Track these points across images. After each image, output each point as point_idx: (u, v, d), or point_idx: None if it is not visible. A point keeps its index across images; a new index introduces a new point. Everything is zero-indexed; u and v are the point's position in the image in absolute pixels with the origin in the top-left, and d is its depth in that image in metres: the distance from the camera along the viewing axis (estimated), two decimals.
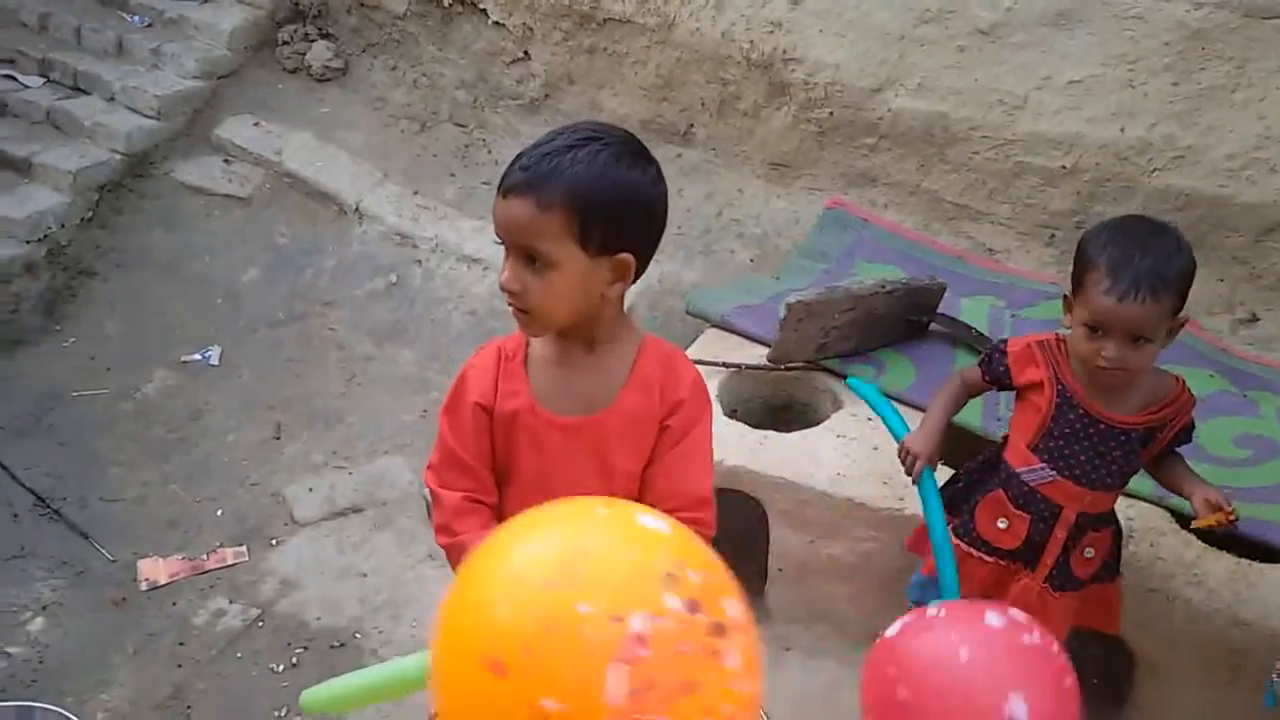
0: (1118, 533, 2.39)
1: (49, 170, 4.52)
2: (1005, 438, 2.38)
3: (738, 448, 2.84)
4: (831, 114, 4.24)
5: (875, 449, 2.83)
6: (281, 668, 2.93)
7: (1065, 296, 2.18)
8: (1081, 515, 2.25)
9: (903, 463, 2.28)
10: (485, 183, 4.67)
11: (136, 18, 5.35)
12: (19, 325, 4.09)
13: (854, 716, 1.82)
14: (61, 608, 3.07)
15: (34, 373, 3.94)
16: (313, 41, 5.24)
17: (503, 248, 1.60)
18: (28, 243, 4.27)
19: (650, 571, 1.00)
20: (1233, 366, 3.41)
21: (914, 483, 2.26)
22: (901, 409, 2.94)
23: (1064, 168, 3.88)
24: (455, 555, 1.67)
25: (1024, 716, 1.59)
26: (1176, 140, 3.72)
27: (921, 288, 3.28)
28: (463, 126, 5.02)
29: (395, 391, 3.97)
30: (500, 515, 1.72)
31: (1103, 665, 2.79)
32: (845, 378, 2.93)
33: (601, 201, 1.53)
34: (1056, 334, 2.25)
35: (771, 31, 4.28)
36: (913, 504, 2.55)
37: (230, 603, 3.12)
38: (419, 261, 4.43)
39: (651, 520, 1.11)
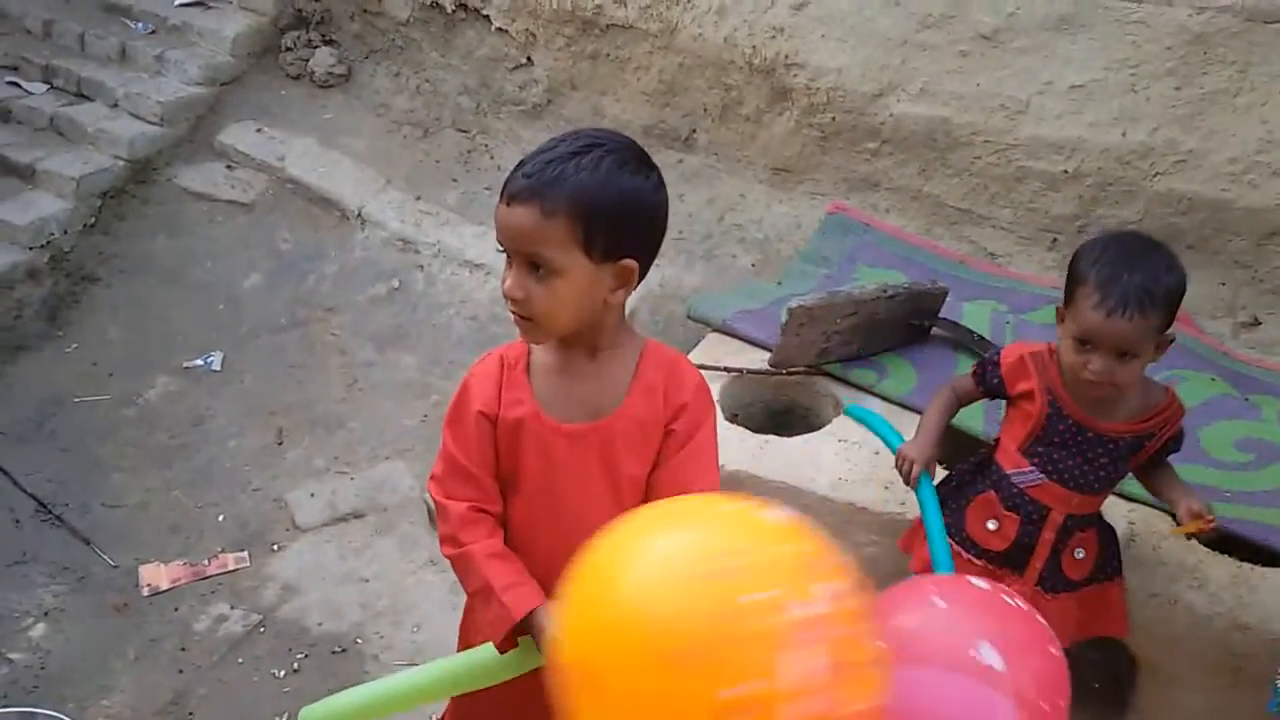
0: (1109, 531, 2.41)
1: (52, 176, 4.53)
2: (997, 440, 2.40)
3: (739, 452, 2.84)
4: (833, 119, 4.24)
5: (877, 454, 2.83)
6: (283, 673, 2.93)
7: (1058, 308, 2.21)
8: (1069, 517, 2.29)
9: (899, 471, 2.30)
10: (487, 188, 4.68)
11: (140, 24, 5.36)
12: (22, 331, 4.10)
13: None
14: (63, 613, 3.07)
15: (36, 378, 3.95)
16: (316, 48, 5.25)
17: (503, 255, 1.59)
18: (31, 249, 4.28)
19: (794, 562, 1.03)
20: (1234, 370, 3.40)
21: (912, 488, 2.27)
22: (903, 413, 2.96)
23: (1066, 172, 3.88)
24: (462, 566, 1.67)
25: (997, 663, 1.53)
26: (1178, 144, 3.72)
27: (923, 292, 3.28)
28: (465, 132, 5.03)
29: (397, 397, 3.97)
30: (504, 524, 1.71)
31: (1104, 669, 2.78)
32: (846, 408, 2.92)
33: (606, 208, 1.53)
34: (1049, 344, 2.28)
35: (774, 37, 4.28)
36: (914, 509, 2.55)
37: (232, 608, 3.12)
38: (421, 267, 4.44)
39: (773, 514, 1.13)
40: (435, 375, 4.06)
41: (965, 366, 3.02)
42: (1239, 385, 3.31)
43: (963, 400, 2.43)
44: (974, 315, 3.47)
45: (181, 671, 2.92)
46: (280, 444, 3.75)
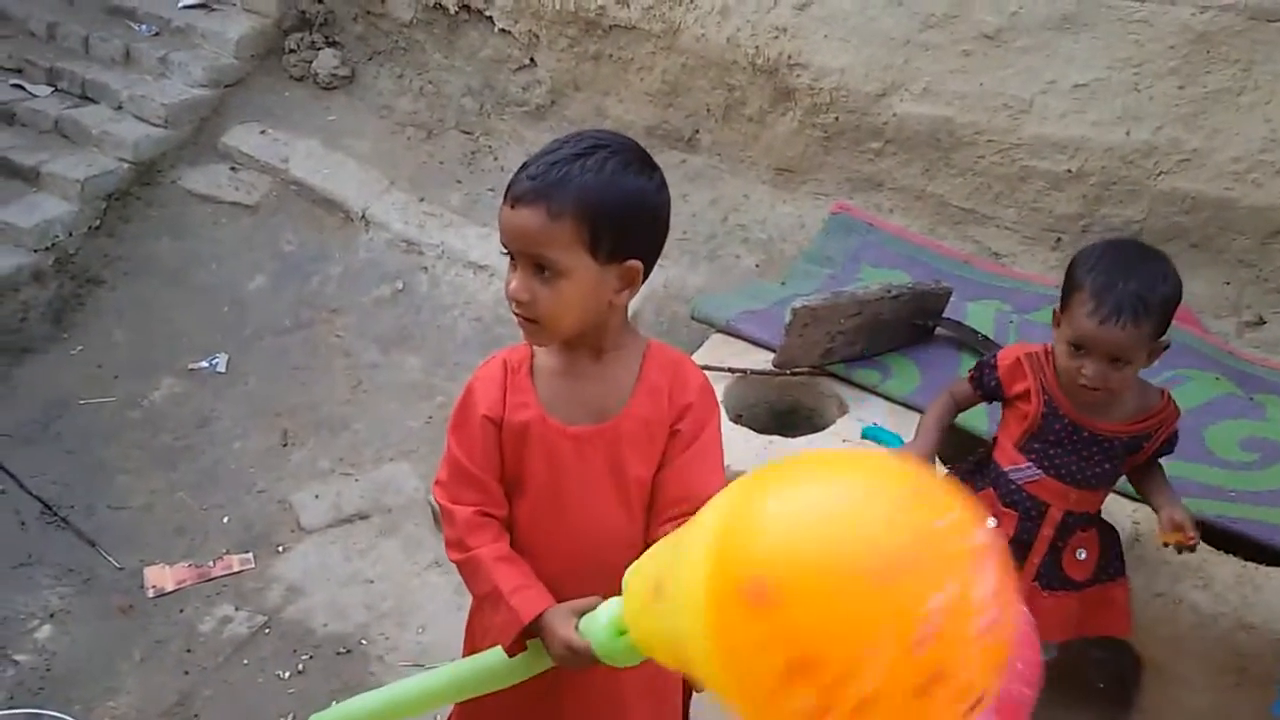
0: (1111, 532, 2.41)
1: (57, 179, 4.54)
2: (995, 439, 2.41)
3: (743, 453, 2.83)
4: (837, 119, 4.25)
5: None
6: (288, 675, 2.94)
7: (1054, 311, 2.23)
8: (1068, 514, 2.31)
9: None
10: (491, 190, 4.68)
11: (144, 27, 5.37)
12: (27, 333, 4.11)
13: None
14: (69, 615, 3.08)
15: (41, 381, 3.95)
16: (319, 50, 5.26)
17: (506, 256, 1.59)
18: (35, 251, 4.29)
19: (966, 496, 1.09)
20: (1239, 369, 3.39)
21: None
22: (907, 413, 2.96)
23: (1069, 171, 3.88)
24: (469, 570, 1.67)
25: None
26: (1182, 143, 3.72)
27: (927, 292, 3.27)
28: (469, 134, 5.03)
29: (401, 398, 3.98)
30: (510, 527, 1.71)
31: (1109, 669, 2.78)
32: (864, 430, 2.92)
33: (611, 209, 1.53)
34: (1045, 345, 2.30)
35: (776, 37, 4.28)
36: None
37: (237, 610, 3.13)
38: (425, 268, 4.44)
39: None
40: (440, 376, 4.06)
41: (969, 366, 3.02)
42: (1244, 384, 3.31)
43: (961, 404, 2.45)
44: (978, 315, 3.47)
45: (187, 673, 2.92)
46: (285, 445, 3.75)
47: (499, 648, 1.60)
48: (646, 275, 1.62)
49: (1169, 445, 2.31)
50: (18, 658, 2.93)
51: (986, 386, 2.38)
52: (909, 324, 3.26)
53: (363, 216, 4.62)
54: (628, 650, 1.39)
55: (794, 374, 3.16)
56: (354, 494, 3.55)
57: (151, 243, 4.56)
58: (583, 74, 4.81)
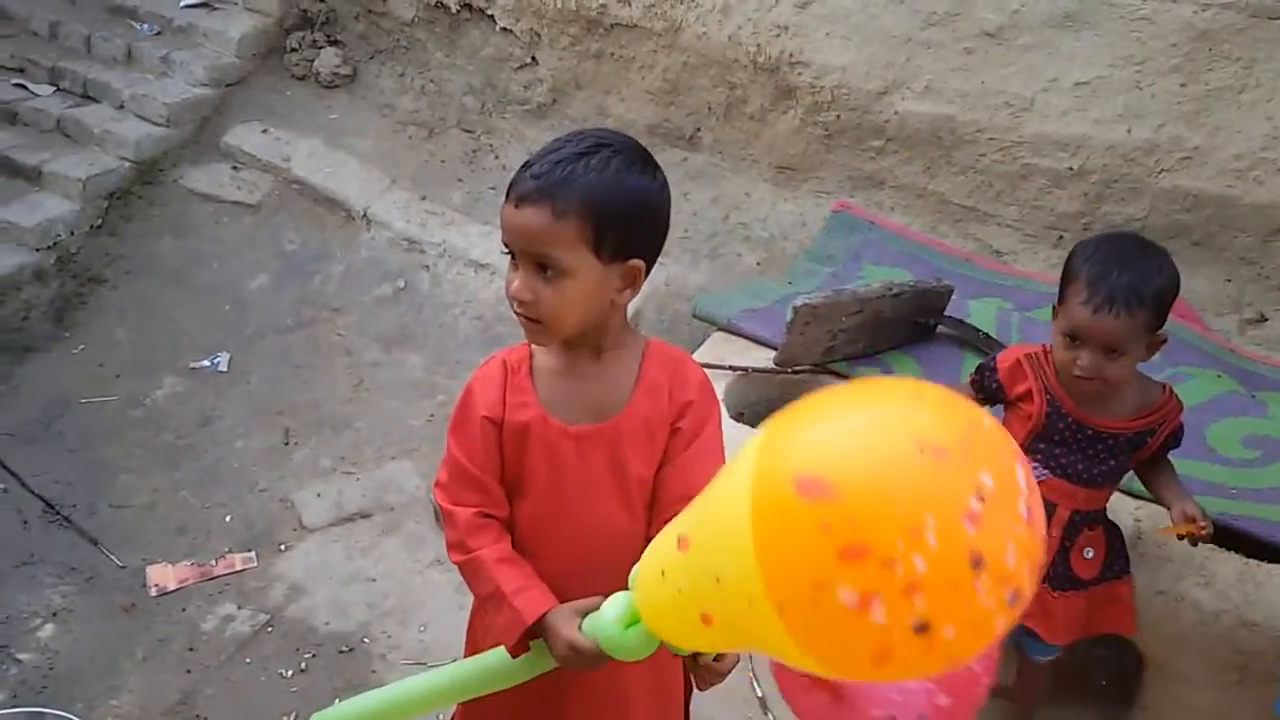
0: (1115, 530, 2.41)
1: (59, 178, 4.54)
2: None
3: None
4: (838, 117, 4.25)
5: None
6: (290, 673, 2.94)
7: (1054, 305, 2.23)
8: (1075, 513, 2.30)
9: None
10: (492, 188, 4.69)
11: (146, 26, 5.37)
12: (29, 332, 4.11)
13: None
14: (71, 614, 3.08)
15: (43, 380, 3.96)
16: (321, 49, 5.26)
17: (507, 255, 1.59)
18: (37, 250, 4.29)
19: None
20: (1241, 367, 3.39)
21: None
22: None
23: (1071, 169, 3.88)
24: (471, 571, 1.66)
25: None
26: (1184, 141, 3.71)
27: (928, 290, 3.27)
28: (470, 132, 5.04)
29: (403, 397, 3.98)
30: (511, 528, 1.71)
31: (1111, 667, 2.78)
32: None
33: (615, 208, 1.52)
34: (1044, 345, 2.30)
35: (778, 35, 4.28)
36: None
37: (239, 608, 3.13)
38: (427, 267, 4.44)
39: None
40: (441, 375, 4.06)
41: (971, 364, 3.02)
42: (1245, 382, 3.31)
43: None
44: (979, 313, 3.47)
45: (189, 671, 2.93)
46: (287, 444, 3.76)
47: (501, 648, 1.60)
48: (647, 274, 1.62)
49: (1175, 439, 2.30)
50: (20, 656, 2.93)
51: (988, 390, 2.38)
52: (910, 322, 3.26)
53: (364, 215, 4.63)
54: (637, 642, 1.39)
55: (795, 372, 3.16)
56: (356, 492, 3.56)
57: (153, 242, 4.56)
58: (584, 72, 4.81)
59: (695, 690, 1.82)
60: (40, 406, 3.83)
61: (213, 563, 3.28)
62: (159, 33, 5.35)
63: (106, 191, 4.60)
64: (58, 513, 3.40)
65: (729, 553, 1.12)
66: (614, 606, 1.43)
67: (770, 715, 2.50)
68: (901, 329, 3.24)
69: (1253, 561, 2.57)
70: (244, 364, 4.11)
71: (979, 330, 3.33)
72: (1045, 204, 3.97)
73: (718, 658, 1.53)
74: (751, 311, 3.41)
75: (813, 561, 1.04)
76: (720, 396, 2.72)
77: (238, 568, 3.27)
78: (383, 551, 3.35)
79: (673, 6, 4.48)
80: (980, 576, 1.01)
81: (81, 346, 4.14)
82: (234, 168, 4.86)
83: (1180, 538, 2.21)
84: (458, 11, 5.03)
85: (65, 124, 4.85)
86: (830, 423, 1.13)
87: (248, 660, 2.97)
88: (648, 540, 1.38)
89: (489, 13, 4.95)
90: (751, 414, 3.16)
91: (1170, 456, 2.36)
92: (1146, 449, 2.28)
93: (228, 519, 3.45)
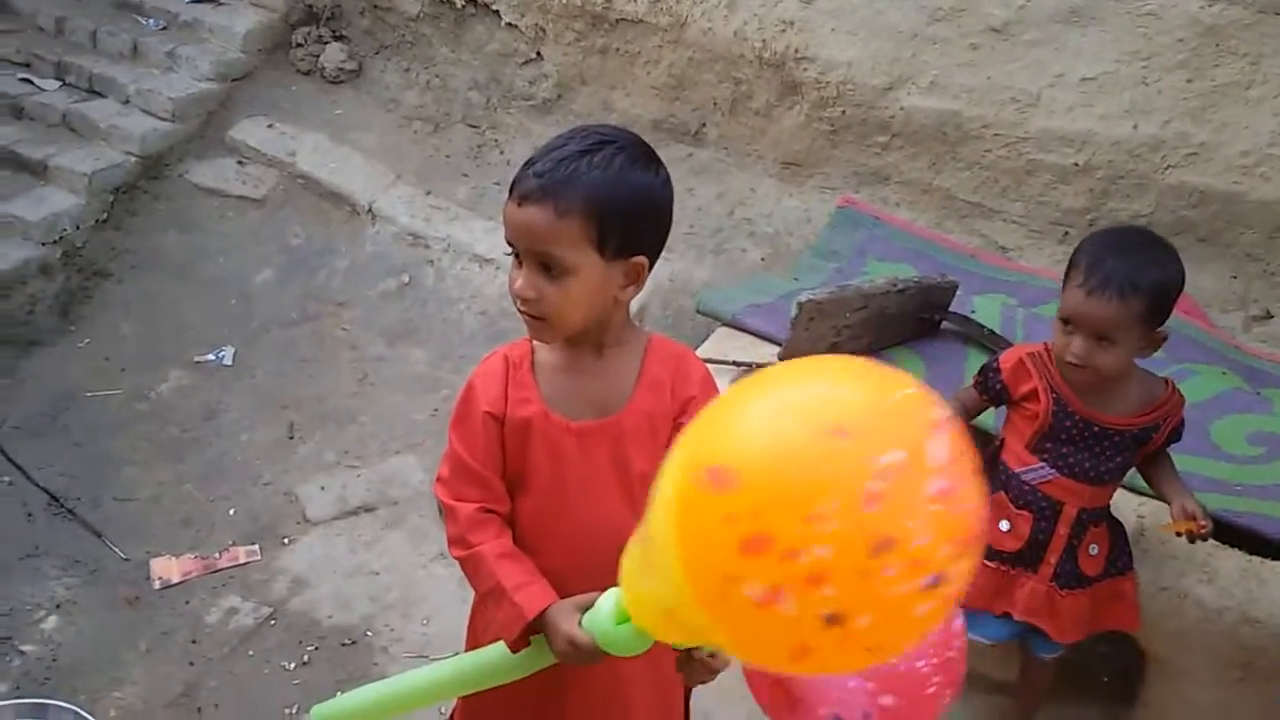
0: (1119, 526, 2.41)
1: (64, 172, 4.54)
2: (1001, 442, 2.40)
3: None
4: (844, 112, 4.24)
5: None
6: (293, 665, 2.94)
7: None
8: (1082, 511, 2.29)
9: None
10: (497, 183, 4.69)
11: (151, 21, 5.38)
12: (34, 326, 4.12)
13: None
14: (75, 606, 3.09)
15: (49, 373, 3.96)
16: (326, 44, 5.26)
17: (511, 253, 1.59)
18: (43, 244, 4.30)
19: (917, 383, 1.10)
20: (1246, 364, 3.39)
21: None
22: None
23: (1077, 165, 3.87)
24: (472, 567, 1.66)
25: None
26: (1190, 137, 3.71)
27: (933, 286, 3.27)
28: (475, 127, 5.04)
29: (407, 391, 3.98)
30: (512, 523, 1.71)
31: (1113, 663, 2.78)
32: None
33: (619, 206, 1.52)
34: (1046, 344, 2.28)
35: (783, 30, 4.27)
36: None
37: (242, 601, 3.14)
38: (431, 262, 4.45)
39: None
40: (445, 370, 4.06)
41: (975, 360, 3.02)
42: (1250, 379, 3.30)
43: (969, 409, 2.44)
44: (984, 309, 3.47)
45: (192, 664, 2.93)
46: (291, 438, 3.76)
47: (502, 643, 1.60)
48: (650, 270, 1.62)
49: (1176, 434, 2.30)
50: (24, 648, 2.94)
51: (992, 390, 2.37)
52: (915, 318, 3.25)
53: (369, 210, 4.63)
54: (630, 638, 1.39)
55: None
56: (359, 486, 3.56)
57: (159, 236, 4.57)
58: (589, 68, 4.81)
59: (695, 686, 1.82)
60: (45, 400, 3.84)
61: (216, 556, 3.29)
62: (164, 28, 5.35)
63: (112, 186, 4.60)
64: (62, 505, 3.40)
65: (663, 547, 1.11)
66: (608, 602, 1.43)
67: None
68: (906, 325, 3.24)
69: (1256, 558, 2.56)
70: (249, 358, 4.11)
71: (984, 326, 3.32)
72: (1051, 200, 3.96)
73: (713, 654, 1.53)
74: (756, 307, 3.41)
75: (720, 555, 1.03)
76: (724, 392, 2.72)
77: (241, 561, 3.28)
78: (386, 545, 3.36)
79: (678, 2, 4.47)
80: (888, 561, 0.97)
81: (87, 340, 4.14)
82: (239, 162, 4.86)
83: (1178, 535, 2.20)
84: (463, 6, 5.03)
85: (71, 119, 4.86)
86: (743, 410, 1.11)
87: (251, 653, 2.98)
88: None
89: (494, 8, 4.95)
90: None
91: (1175, 453, 2.36)
92: (1151, 444, 2.28)
93: (231, 512, 3.46)
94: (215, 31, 5.23)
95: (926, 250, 3.91)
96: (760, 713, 1.73)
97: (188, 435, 3.76)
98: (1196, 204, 3.71)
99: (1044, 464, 2.29)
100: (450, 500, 1.68)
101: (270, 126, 4.97)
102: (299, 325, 4.27)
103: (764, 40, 4.32)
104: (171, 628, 3.04)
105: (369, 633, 3.05)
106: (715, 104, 4.55)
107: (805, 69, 4.25)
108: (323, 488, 3.54)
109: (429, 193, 4.70)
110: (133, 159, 4.70)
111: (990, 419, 2.87)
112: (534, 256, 1.54)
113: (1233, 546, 2.57)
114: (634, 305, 1.71)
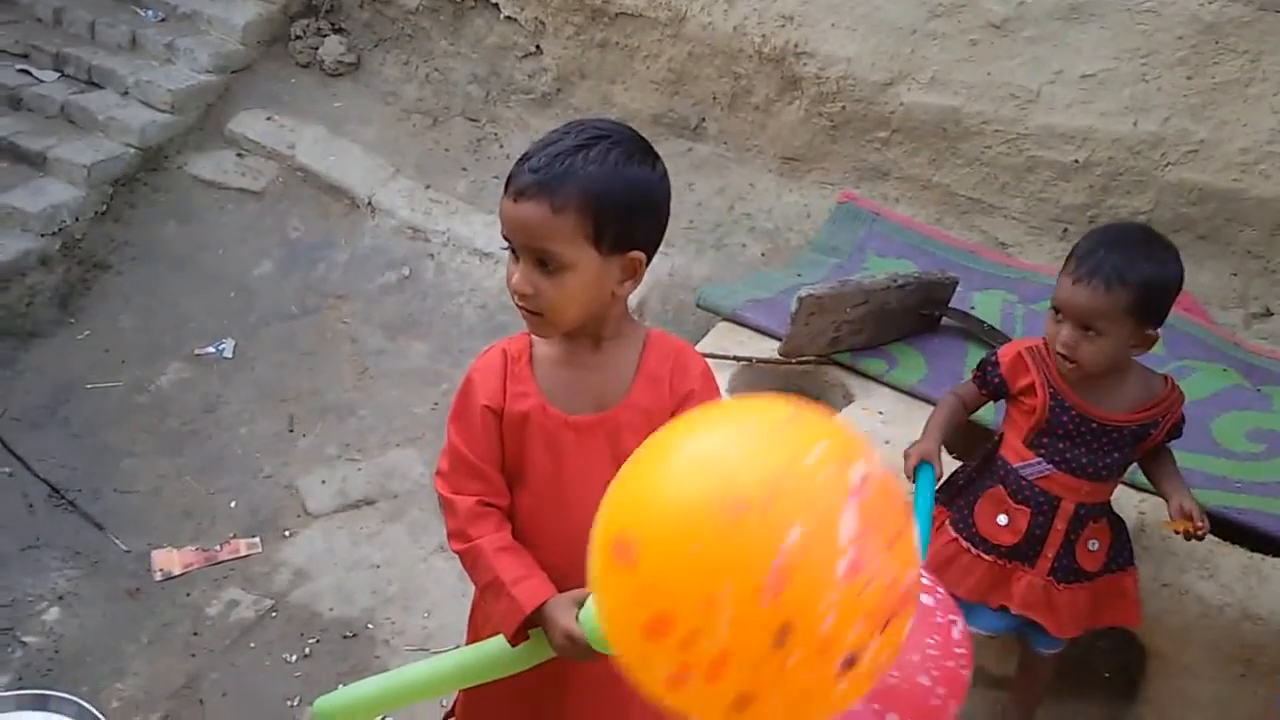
0: (1119, 522, 2.42)
1: (63, 164, 4.53)
2: (1000, 437, 2.41)
3: None
4: (843, 108, 4.24)
5: (887, 442, 2.82)
6: (294, 658, 2.95)
7: None
8: (1080, 506, 2.30)
9: (905, 471, 2.32)
10: (496, 177, 4.68)
11: (150, 12, 5.37)
12: (34, 318, 4.11)
13: None
14: (76, 598, 3.09)
15: (48, 365, 3.96)
16: (325, 36, 5.26)
17: (507, 248, 1.59)
18: (42, 236, 4.29)
19: (849, 435, 1.04)
20: (1246, 361, 3.40)
21: (910, 479, 2.28)
22: (913, 402, 2.97)
23: (1076, 162, 3.88)
24: (471, 560, 1.66)
25: None
26: (1190, 134, 3.71)
27: (933, 282, 3.28)
28: (474, 121, 5.03)
29: (407, 384, 3.99)
30: (511, 517, 1.71)
31: (1114, 659, 2.79)
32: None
33: (615, 201, 1.52)
34: (1044, 339, 2.29)
35: (783, 25, 4.28)
36: None
37: (244, 593, 3.14)
38: (431, 255, 4.45)
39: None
40: (445, 363, 4.07)
41: (975, 356, 3.03)
42: (1250, 376, 3.31)
43: (968, 404, 2.45)
44: (984, 305, 3.48)
45: (194, 656, 2.94)
46: (291, 431, 3.76)
47: (501, 636, 1.60)
48: (647, 265, 1.62)
49: (1176, 430, 2.31)
50: (26, 639, 2.94)
51: (990, 385, 2.38)
52: (915, 313, 3.26)
53: (369, 203, 4.63)
54: None
55: (799, 363, 3.16)
56: (360, 479, 3.56)
57: (158, 228, 4.56)
58: (589, 62, 4.81)
59: None
60: (46, 392, 3.83)
61: (217, 548, 3.29)
62: (164, 19, 5.34)
63: (111, 178, 4.59)
64: (63, 497, 3.40)
65: (595, 603, 1.08)
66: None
67: None
68: (906, 321, 3.24)
69: (1257, 555, 2.57)
70: (249, 350, 4.11)
71: (983, 322, 3.33)
72: (1050, 196, 3.97)
73: None
74: (756, 302, 3.41)
75: (629, 635, 1.00)
76: (724, 387, 2.73)
77: (242, 553, 3.28)
78: (387, 538, 3.36)
79: None
80: (792, 649, 0.93)
81: (87, 332, 4.14)
82: (238, 155, 4.86)
83: (1176, 533, 2.21)
84: (462, 0, 5.02)
85: (70, 110, 4.84)
86: (651, 470, 1.06)
87: (252, 645, 2.98)
88: None
89: (493, 1, 4.94)
90: None
91: (1176, 450, 2.37)
92: (1150, 440, 2.29)
93: (232, 504, 3.46)
94: (214, 23, 5.22)
95: (926, 246, 3.92)
96: None
97: (188, 428, 3.76)
98: (1196, 201, 3.72)
99: (1041, 459, 2.30)
100: (449, 494, 1.69)
101: (269, 119, 4.96)
102: (299, 318, 4.27)
103: (764, 35, 4.32)
104: (173, 619, 3.04)
105: (370, 625, 3.06)
106: (715, 99, 4.55)
107: (805, 64, 4.26)
108: (323, 481, 3.54)
109: (428, 186, 4.70)
110: (132, 151, 4.69)
111: (990, 414, 2.89)
112: (530, 252, 1.54)
113: (1233, 543, 2.58)
114: (633, 300, 1.72)
